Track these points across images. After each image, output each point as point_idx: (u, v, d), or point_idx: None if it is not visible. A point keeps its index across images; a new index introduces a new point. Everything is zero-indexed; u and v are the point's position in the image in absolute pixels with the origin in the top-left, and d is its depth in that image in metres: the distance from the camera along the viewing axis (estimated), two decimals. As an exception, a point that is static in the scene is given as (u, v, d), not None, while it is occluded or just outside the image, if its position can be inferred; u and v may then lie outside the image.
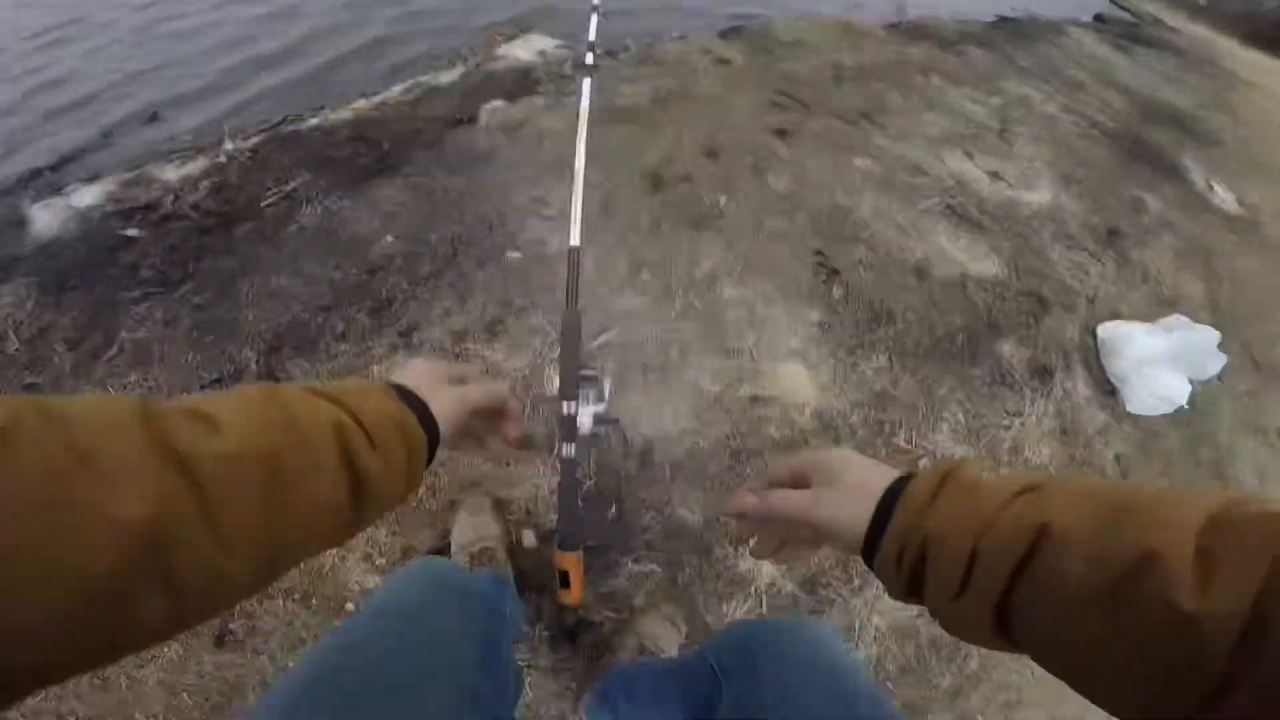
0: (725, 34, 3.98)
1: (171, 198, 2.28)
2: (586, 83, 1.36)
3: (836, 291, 2.06)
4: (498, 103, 2.81)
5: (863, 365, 1.89)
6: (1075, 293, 2.48)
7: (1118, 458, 1.98)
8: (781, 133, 2.74)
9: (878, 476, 0.49)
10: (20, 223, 2.29)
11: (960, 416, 1.85)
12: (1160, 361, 2.19)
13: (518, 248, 2.08)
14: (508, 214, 2.19)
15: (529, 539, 1.48)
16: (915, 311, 2.09)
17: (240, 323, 1.85)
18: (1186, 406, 2.12)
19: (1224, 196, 3.93)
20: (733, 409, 1.73)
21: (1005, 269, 2.40)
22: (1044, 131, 3.55)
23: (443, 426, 0.54)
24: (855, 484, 0.49)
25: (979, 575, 0.40)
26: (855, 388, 1.84)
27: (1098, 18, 13.36)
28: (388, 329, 1.83)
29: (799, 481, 0.55)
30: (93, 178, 2.51)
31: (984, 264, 2.39)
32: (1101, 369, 2.24)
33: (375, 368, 1.74)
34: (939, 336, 2.05)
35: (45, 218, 2.30)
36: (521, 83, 3.08)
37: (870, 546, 0.47)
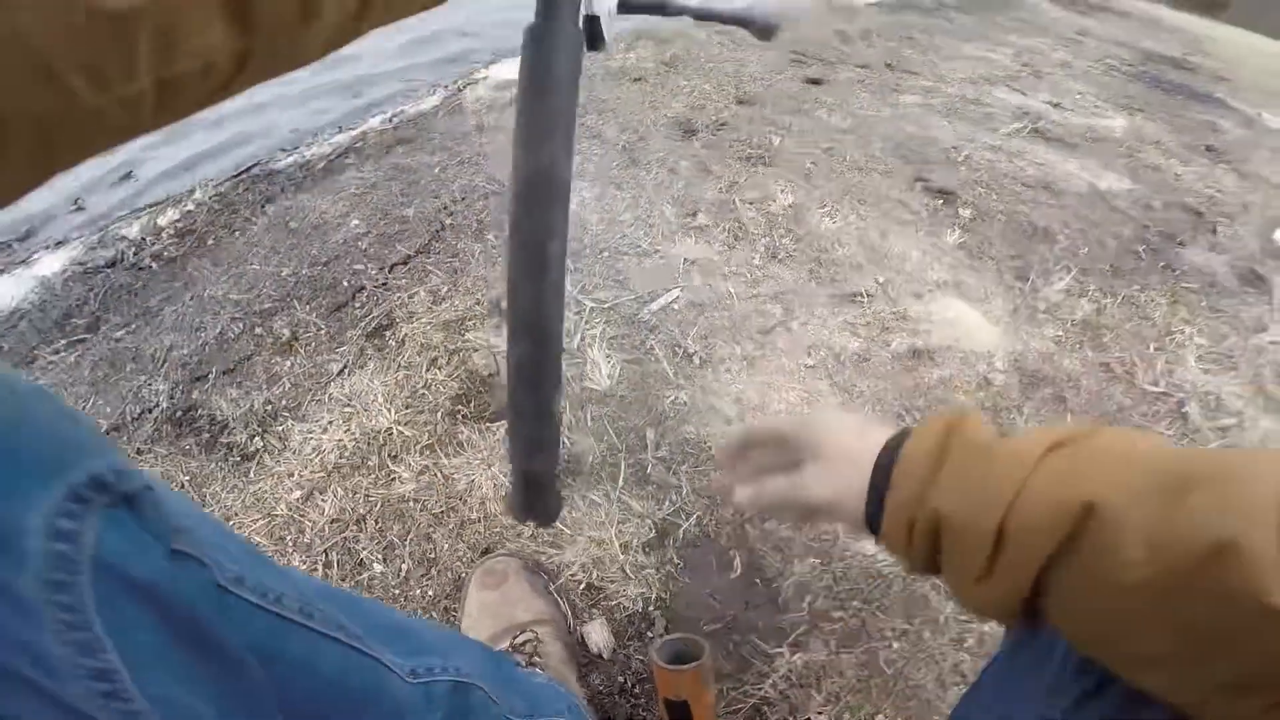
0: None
1: (134, 250, 1.80)
2: None
3: (964, 213, 1.54)
4: (481, 91, 2.37)
5: (1044, 289, 1.35)
6: (1222, 201, 2.05)
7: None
8: (815, 81, 2.31)
9: (866, 439, 0.45)
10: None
11: (1199, 338, 1.31)
12: None
13: None
14: (507, 180, 1.65)
15: (598, 635, 0.85)
16: (1071, 227, 1.58)
17: (155, 351, 1.27)
18: None
19: (1275, 119, 3.68)
20: (888, 373, 1.16)
21: (1137, 184, 1.94)
22: (1072, 73, 3.25)
23: None
24: (840, 453, 0.46)
25: (1009, 557, 0.36)
26: (1049, 320, 1.29)
27: None
28: (350, 330, 1.25)
29: (786, 454, 0.50)
30: (58, 244, 2.12)
31: (1109, 180, 1.91)
32: None
33: (332, 387, 1.15)
34: (1116, 250, 1.53)
35: (7, 288, 1.88)
36: (507, 91, 2.65)
37: (874, 523, 0.43)
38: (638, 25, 3.05)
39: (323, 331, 1.27)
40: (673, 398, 1.10)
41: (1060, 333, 1.26)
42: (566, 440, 1.04)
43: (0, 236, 2.40)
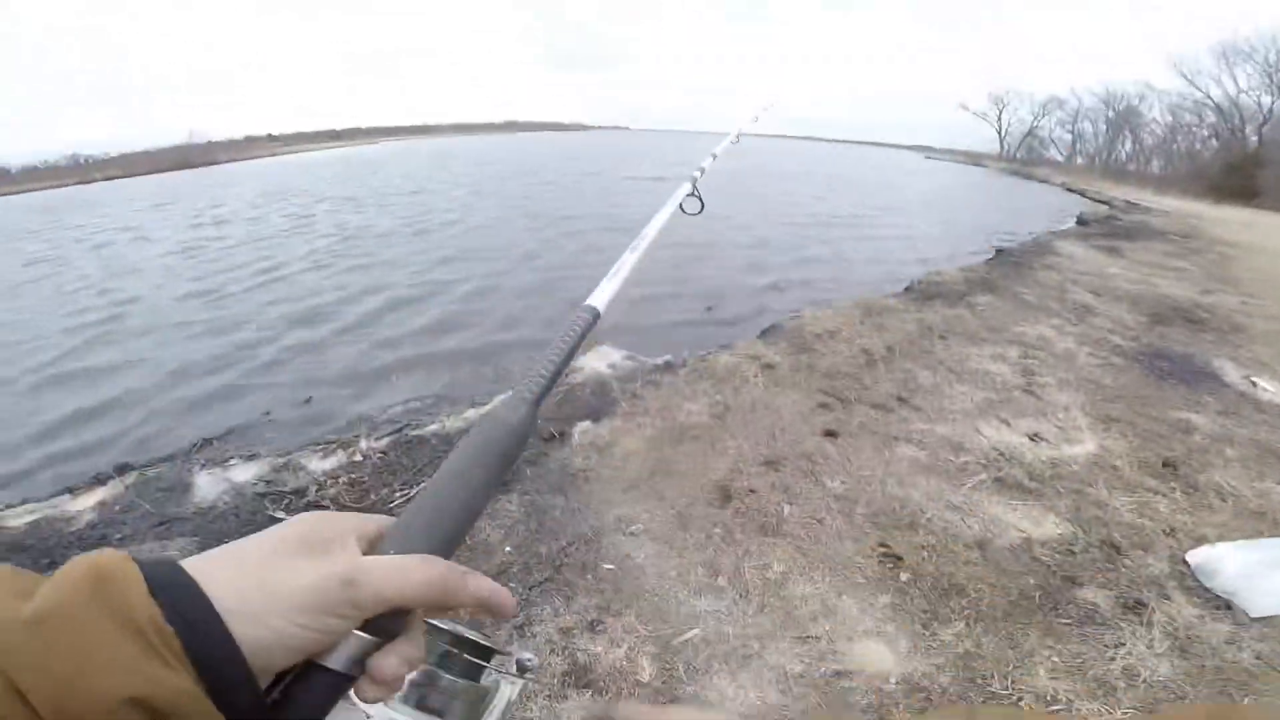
0: (766, 334, 4.75)
1: (315, 487, 2.81)
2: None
3: (903, 576, 2.32)
4: (585, 424, 3.37)
5: (941, 633, 2.03)
6: (1149, 531, 2.58)
7: (1259, 656, 1.99)
8: (831, 434, 3.15)
9: None
10: (186, 487, 2.90)
11: (1055, 659, 1.92)
12: (1271, 565, 2.29)
13: (611, 560, 2.42)
14: (601, 530, 2.56)
15: None
16: (985, 582, 2.25)
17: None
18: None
19: (1269, 389, 4.02)
20: (818, 685, 1.89)
21: (1068, 526, 2.57)
22: (1068, 373, 3.87)
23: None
24: None
25: None
26: (937, 653, 1.96)
27: (1079, 220, 14.90)
28: (504, 624, 2.08)
29: None
30: (250, 456, 3.22)
31: (1045, 526, 2.56)
32: (1205, 589, 2.30)
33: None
34: (1014, 599, 2.18)
35: (206, 485, 2.90)
36: (601, 397, 3.70)
37: None
38: (696, 361, 4.08)
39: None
40: (679, 690, 1.93)
41: (943, 660, 1.92)
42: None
43: (205, 430, 3.70)
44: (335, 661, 0.31)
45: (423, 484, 0.63)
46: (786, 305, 6.03)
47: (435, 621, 0.39)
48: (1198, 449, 3.22)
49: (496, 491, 0.41)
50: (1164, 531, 2.60)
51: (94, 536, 2.63)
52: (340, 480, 2.93)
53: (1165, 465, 3.04)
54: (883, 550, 2.43)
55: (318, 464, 3.11)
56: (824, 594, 2.24)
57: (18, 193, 32.02)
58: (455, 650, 0.40)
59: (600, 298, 0.59)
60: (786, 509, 2.65)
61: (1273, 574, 2.26)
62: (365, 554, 0.33)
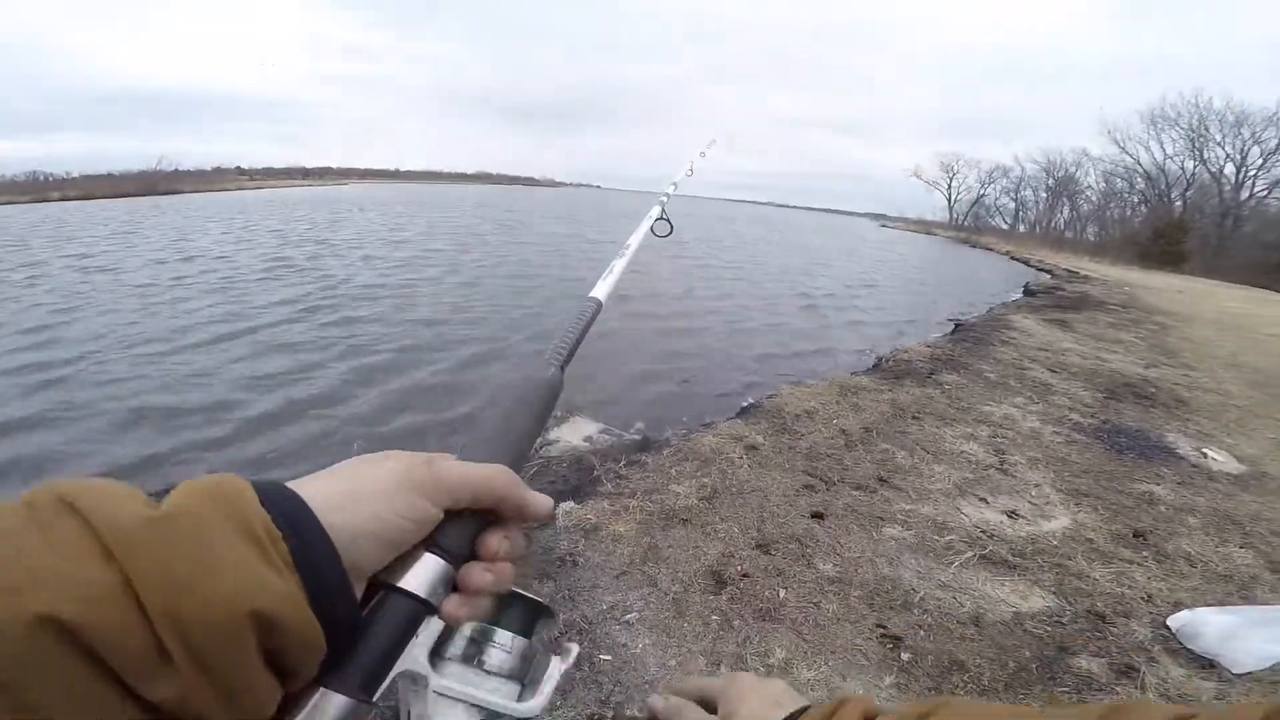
0: (745, 413, 4.86)
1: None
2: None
3: (904, 655, 2.35)
4: (569, 504, 3.34)
5: None
6: (1129, 598, 2.69)
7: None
8: (818, 516, 3.22)
9: (773, 708, 0.49)
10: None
11: None
12: (1250, 625, 2.42)
13: (608, 650, 2.36)
14: (594, 619, 2.52)
15: None
16: (983, 656, 2.30)
17: None
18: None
19: (1218, 458, 4.29)
20: None
21: (1054, 598, 2.66)
22: (1037, 451, 4.06)
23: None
24: (752, 715, 0.49)
25: None
26: None
27: (1027, 290, 16.01)
28: None
29: (707, 704, 0.54)
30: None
31: (1032, 600, 2.65)
32: (1188, 650, 2.40)
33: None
34: (1012, 670, 2.24)
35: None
36: (581, 474, 3.69)
37: None
38: (680, 440, 4.11)
39: None
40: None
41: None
42: None
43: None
44: (415, 584, 0.33)
45: (478, 419, 0.78)
46: (767, 379, 6.23)
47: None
48: (1163, 519, 3.39)
49: (537, 437, 0.47)
50: (1143, 598, 2.71)
51: None
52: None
53: (1136, 535, 3.19)
54: (881, 631, 2.47)
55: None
56: (828, 678, 2.26)
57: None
58: (507, 606, 0.41)
59: (600, 291, 0.72)
60: (782, 593, 2.69)
61: (1252, 633, 2.39)
62: None
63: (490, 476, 0.37)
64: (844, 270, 19.01)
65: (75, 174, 45.91)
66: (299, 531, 0.29)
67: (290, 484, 0.31)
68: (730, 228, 37.13)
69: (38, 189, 39.18)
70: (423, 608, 0.34)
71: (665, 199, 1.30)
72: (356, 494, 0.32)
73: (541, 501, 0.40)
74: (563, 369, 0.54)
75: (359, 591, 0.32)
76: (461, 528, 0.36)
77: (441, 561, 0.35)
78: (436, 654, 0.36)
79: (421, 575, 0.34)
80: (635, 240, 0.97)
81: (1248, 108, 42.28)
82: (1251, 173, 42.53)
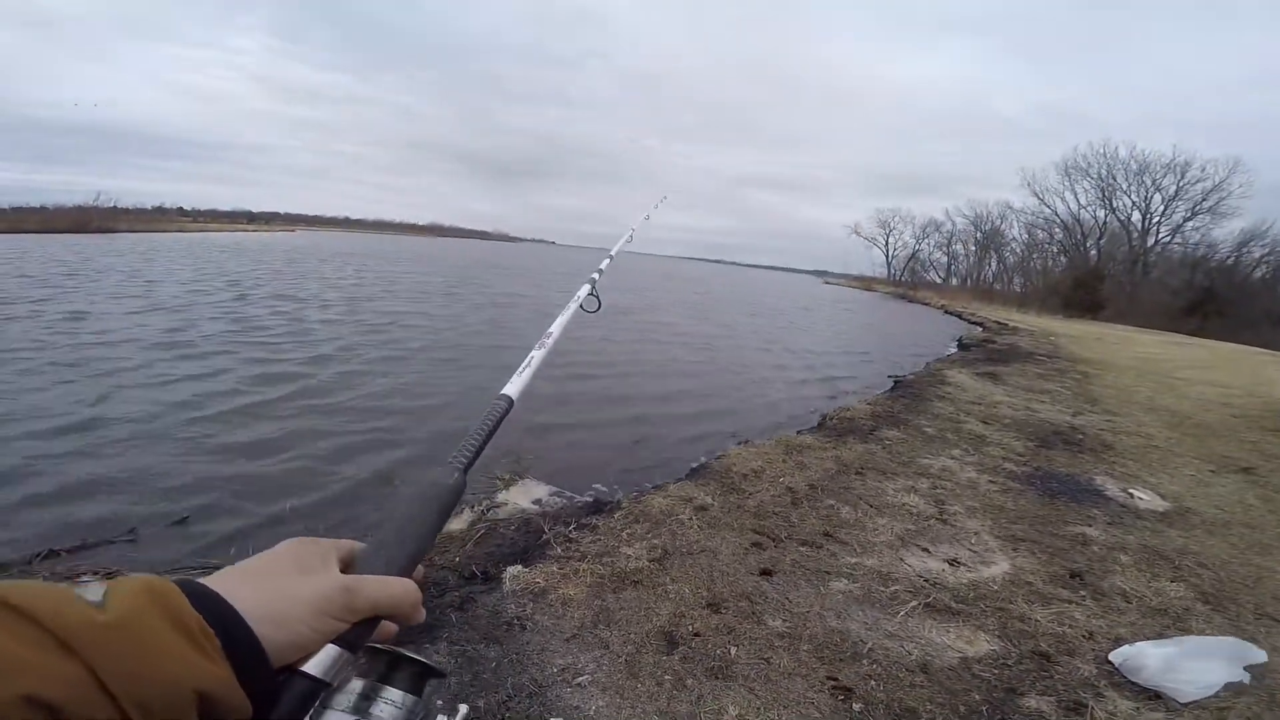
0: (695, 474, 4.88)
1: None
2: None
3: (856, 706, 2.34)
4: (516, 568, 3.23)
5: None
6: (1070, 637, 2.75)
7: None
8: (767, 573, 3.23)
9: None
10: None
11: None
12: (1188, 656, 2.52)
13: (559, 713, 2.28)
14: (545, 683, 2.43)
15: None
16: (934, 702, 2.31)
17: None
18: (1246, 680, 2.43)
19: (1144, 497, 4.50)
20: None
21: (999, 641, 2.70)
22: (974, 500, 4.19)
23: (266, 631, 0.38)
24: None
25: None
26: None
27: (960, 344, 16.84)
28: None
29: None
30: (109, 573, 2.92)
31: (978, 644, 2.68)
32: (1133, 684, 2.46)
33: None
34: (963, 714, 2.24)
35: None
36: (530, 537, 3.58)
37: None
38: (631, 502, 4.00)
39: None
40: None
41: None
42: None
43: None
44: (314, 668, 0.40)
45: (379, 523, 0.76)
46: (713, 436, 6.28)
47: (379, 645, 0.44)
48: (1097, 558, 3.50)
49: (436, 539, 0.52)
50: (1084, 636, 2.78)
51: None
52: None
53: (1072, 576, 3.29)
54: (833, 683, 2.46)
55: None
56: (782, 734, 2.24)
57: None
58: (399, 667, 0.44)
59: (513, 388, 0.71)
60: (733, 650, 2.66)
61: (1192, 664, 2.49)
62: (343, 572, 0.44)
63: (398, 598, 0.44)
64: (795, 339, 19.49)
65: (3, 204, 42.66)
66: (226, 628, 0.36)
67: (209, 580, 0.38)
68: (672, 288, 37.92)
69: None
70: (320, 685, 0.40)
71: (597, 275, 1.29)
72: (280, 616, 0.39)
73: (423, 614, 0.47)
74: (465, 472, 0.57)
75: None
76: (362, 629, 0.43)
77: (343, 651, 0.42)
78: (326, 705, 0.41)
79: (324, 661, 0.41)
80: (558, 325, 0.93)
81: (1148, 156, 45.60)
82: (1155, 219, 45.86)
